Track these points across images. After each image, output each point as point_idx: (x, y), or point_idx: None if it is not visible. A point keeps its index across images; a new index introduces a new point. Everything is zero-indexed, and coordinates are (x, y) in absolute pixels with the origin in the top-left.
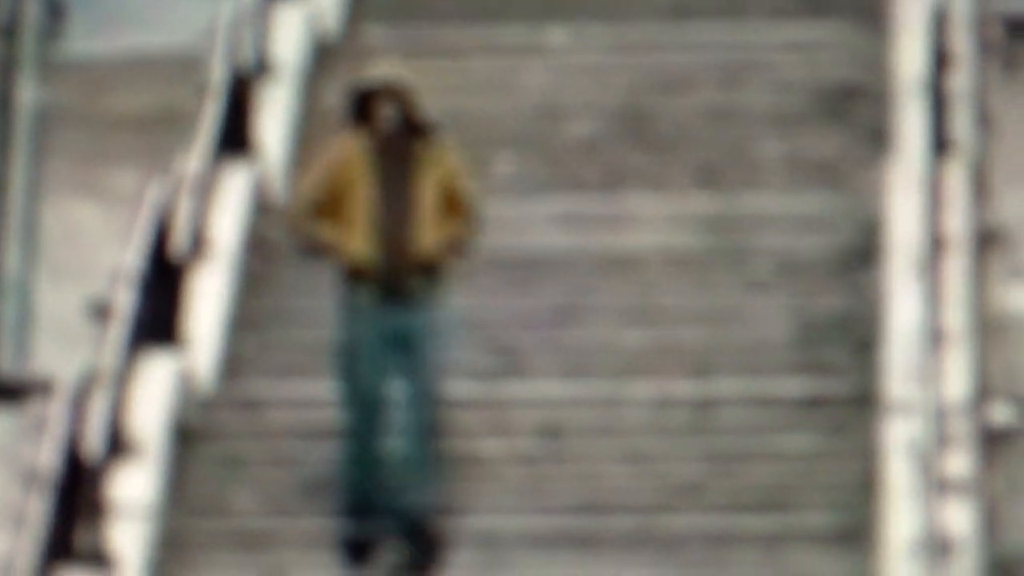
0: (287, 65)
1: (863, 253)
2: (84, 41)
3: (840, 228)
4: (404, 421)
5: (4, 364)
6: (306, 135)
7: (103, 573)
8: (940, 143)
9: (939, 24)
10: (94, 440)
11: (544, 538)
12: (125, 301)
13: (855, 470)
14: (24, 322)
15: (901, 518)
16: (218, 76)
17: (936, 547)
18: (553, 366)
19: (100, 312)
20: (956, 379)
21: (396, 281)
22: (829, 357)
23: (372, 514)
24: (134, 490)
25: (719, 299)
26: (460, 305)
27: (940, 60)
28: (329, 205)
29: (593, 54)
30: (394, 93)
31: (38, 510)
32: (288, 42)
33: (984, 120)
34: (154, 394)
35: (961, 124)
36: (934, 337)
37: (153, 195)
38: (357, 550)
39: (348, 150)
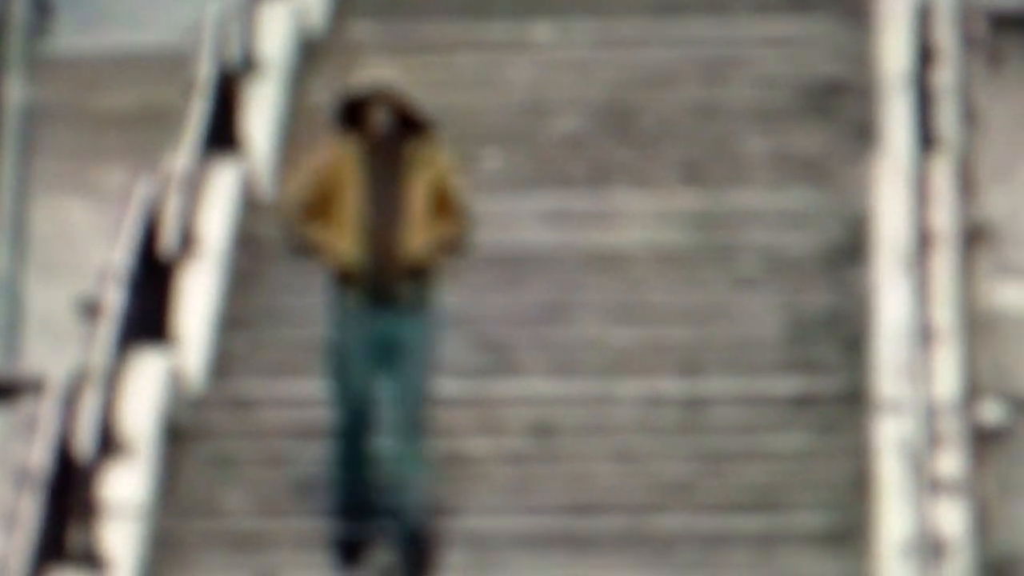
0: (274, 62)
1: (850, 250)
2: (72, 39)
3: (827, 225)
4: (393, 423)
5: None
6: (293, 132)
7: (95, 573)
8: (926, 139)
9: (923, 19)
10: (85, 439)
11: (534, 538)
12: (115, 299)
13: (846, 469)
14: (14, 321)
15: (893, 518)
16: (205, 73)
17: (928, 547)
18: (542, 364)
19: (90, 310)
20: (946, 377)
21: (383, 284)
22: (818, 355)
23: (363, 514)
24: (125, 490)
25: (707, 296)
26: (448, 302)
27: (925, 55)
28: (319, 207)
29: (578, 50)
30: (386, 98)
31: (30, 510)
32: (274, 39)
33: (969, 115)
34: (145, 393)
35: (946, 120)
36: (923, 334)
37: (142, 193)
38: (348, 550)
39: (338, 153)
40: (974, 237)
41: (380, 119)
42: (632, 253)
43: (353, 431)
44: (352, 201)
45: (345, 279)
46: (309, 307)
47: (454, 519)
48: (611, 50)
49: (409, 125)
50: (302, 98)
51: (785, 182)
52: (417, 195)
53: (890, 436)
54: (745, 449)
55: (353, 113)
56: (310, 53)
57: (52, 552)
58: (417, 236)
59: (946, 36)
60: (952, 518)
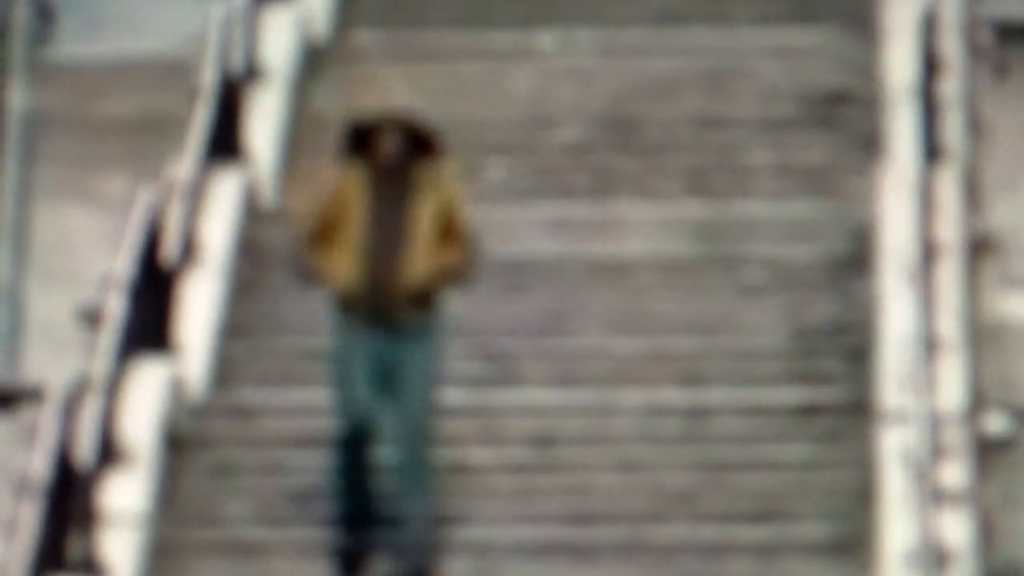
0: (277, 70)
1: (855, 260)
2: (74, 46)
3: (831, 235)
4: (395, 446)
5: None
6: (296, 140)
7: None
8: (931, 149)
9: (929, 29)
10: (85, 447)
11: (536, 547)
12: (116, 307)
13: (849, 479)
14: (15, 328)
15: (896, 528)
16: (208, 81)
17: (932, 557)
18: (544, 374)
19: (91, 318)
20: (950, 388)
21: (383, 310)
22: (822, 365)
23: (363, 524)
24: (125, 498)
25: (710, 306)
26: (451, 311)
27: (930, 66)
28: (327, 233)
29: (582, 59)
30: (395, 123)
31: (30, 517)
32: (278, 46)
33: (975, 126)
34: (145, 401)
35: (952, 130)
36: (928, 345)
37: (144, 200)
38: (349, 560)
39: (345, 179)
40: (979, 248)
41: (389, 146)
42: (635, 263)
43: (354, 441)
44: (355, 227)
45: (345, 304)
46: (310, 316)
47: (456, 528)
48: (614, 60)
49: (418, 147)
50: (305, 106)
51: (790, 193)
52: (422, 221)
53: (894, 446)
54: (748, 459)
55: (362, 138)
56: (314, 61)
57: (52, 560)
58: (419, 263)
59: (952, 46)
60: (956, 528)
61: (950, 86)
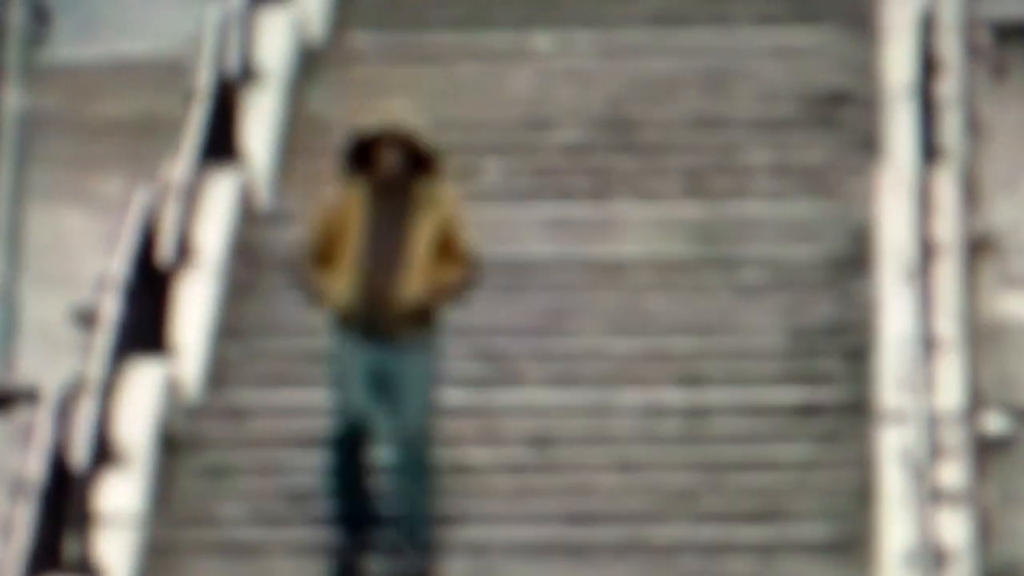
0: (273, 71)
1: (854, 260)
2: (69, 47)
3: (830, 235)
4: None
5: None
6: (292, 141)
7: None
8: (929, 149)
9: (927, 29)
10: (80, 449)
11: (535, 547)
12: (111, 309)
13: (848, 479)
14: (10, 329)
15: (895, 527)
16: (204, 82)
17: (930, 557)
18: (542, 374)
19: (86, 319)
20: (949, 387)
21: (378, 327)
22: (821, 365)
23: (360, 524)
24: (121, 499)
25: (709, 307)
26: (448, 312)
27: (929, 66)
28: (327, 249)
29: (580, 60)
30: (395, 138)
31: (25, 519)
32: (274, 48)
33: (973, 126)
34: (140, 402)
35: (950, 130)
36: (926, 345)
37: (139, 202)
38: (346, 560)
39: (346, 195)
40: (978, 248)
41: (389, 160)
42: (634, 263)
43: (350, 441)
44: (354, 245)
45: (343, 321)
46: (305, 317)
47: (455, 528)
48: (613, 60)
49: (418, 163)
50: (301, 108)
51: (788, 193)
52: (421, 237)
53: (893, 446)
54: (747, 459)
55: (362, 152)
56: (310, 62)
57: (47, 561)
58: (416, 280)
59: (950, 46)
60: (954, 528)
61: (949, 86)
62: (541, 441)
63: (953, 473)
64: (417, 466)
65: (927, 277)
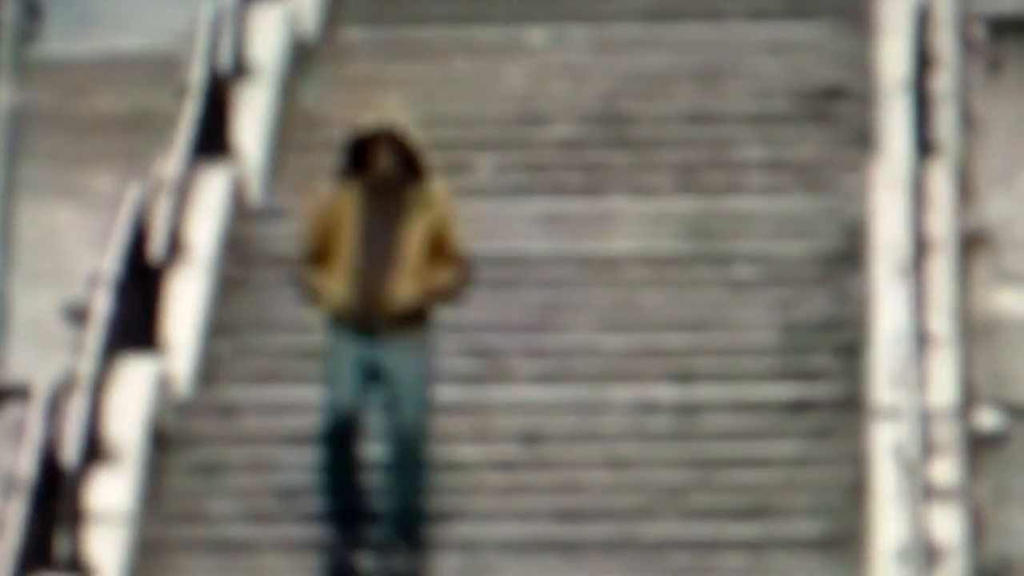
0: (265, 67)
1: (847, 256)
2: (61, 42)
3: (824, 231)
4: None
5: None
6: (284, 137)
7: None
8: (924, 144)
9: (922, 24)
10: (71, 446)
11: (526, 544)
12: (102, 305)
13: (841, 476)
14: (0, 326)
15: (888, 524)
16: (196, 78)
17: (923, 553)
18: (533, 371)
19: (77, 316)
20: (942, 384)
21: (371, 325)
22: (814, 361)
23: (351, 520)
24: (111, 496)
25: (701, 303)
26: (440, 309)
27: (923, 61)
28: (323, 250)
29: (573, 55)
30: (391, 138)
31: (16, 516)
32: (266, 43)
33: (968, 121)
34: (132, 399)
35: (945, 125)
36: (920, 341)
37: (131, 198)
38: (337, 556)
39: (340, 195)
40: (972, 243)
41: (385, 160)
42: (626, 259)
43: (341, 437)
44: (347, 246)
45: (336, 319)
46: (296, 314)
47: (446, 525)
48: (606, 55)
49: (412, 168)
50: (294, 103)
51: (782, 188)
52: (414, 239)
53: (886, 442)
54: (739, 455)
55: (358, 153)
56: (302, 58)
57: (38, 558)
58: (409, 281)
59: (945, 41)
60: (947, 524)
61: (943, 81)
62: (532, 438)
63: (946, 469)
64: (411, 463)
65: (921, 273)
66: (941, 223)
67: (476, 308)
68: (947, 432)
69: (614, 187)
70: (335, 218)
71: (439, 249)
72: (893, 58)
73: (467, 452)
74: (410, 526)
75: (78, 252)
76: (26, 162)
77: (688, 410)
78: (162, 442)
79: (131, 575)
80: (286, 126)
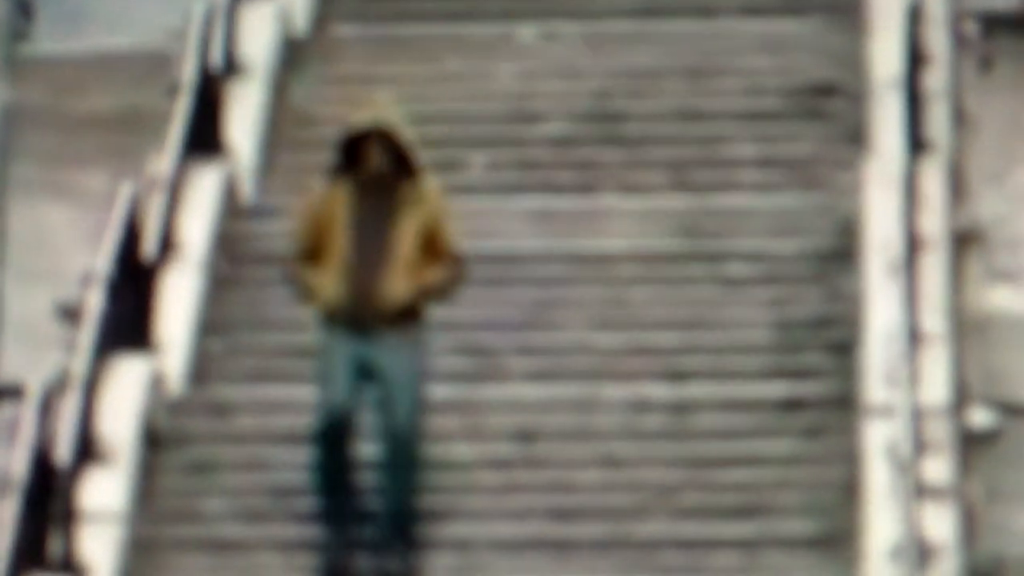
0: (257, 64)
1: (840, 254)
2: (52, 41)
3: (816, 229)
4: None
5: None
6: (276, 135)
7: None
8: (916, 142)
9: (914, 21)
10: (64, 445)
11: (519, 543)
12: (95, 304)
13: (834, 474)
14: None
15: (881, 523)
16: (188, 75)
17: (916, 552)
18: (526, 369)
19: (70, 315)
20: (935, 382)
21: (364, 324)
22: (806, 360)
23: (345, 519)
24: (105, 495)
25: (694, 301)
26: (432, 310)
27: (915, 58)
28: (316, 248)
29: (565, 53)
30: (384, 136)
31: (9, 515)
32: (258, 41)
33: (960, 118)
34: (124, 398)
35: (937, 122)
36: (913, 339)
37: (122, 196)
38: (332, 557)
39: (332, 193)
40: (964, 241)
41: (377, 157)
42: (618, 257)
43: (333, 436)
44: (339, 243)
45: (329, 317)
46: (289, 312)
47: (439, 524)
48: (598, 53)
49: (404, 165)
50: (285, 101)
51: (774, 186)
52: (406, 236)
53: (878, 441)
54: (731, 454)
55: (350, 151)
56: (293, 55)
57: (31, 558)
58: (401, 279)
59: (937, 39)
60: (940, 523)
61: (935, 78)
62: (525, 436)
63: (939, 468)
64: (404, 462)
65: (913, 271)
66: (933, 221)
67: (468, 306)
68: (940, 430)
69: (606, 184)
70: (327, 215)
71: (432, 246)
72: (885, 55)
73: (460, 451)
74: (403, 525)
75: (70, 251)
76: (18, 161)
77: (681, 408)
78: (155, 441)
79: (124, 574)
80: (278, 124)
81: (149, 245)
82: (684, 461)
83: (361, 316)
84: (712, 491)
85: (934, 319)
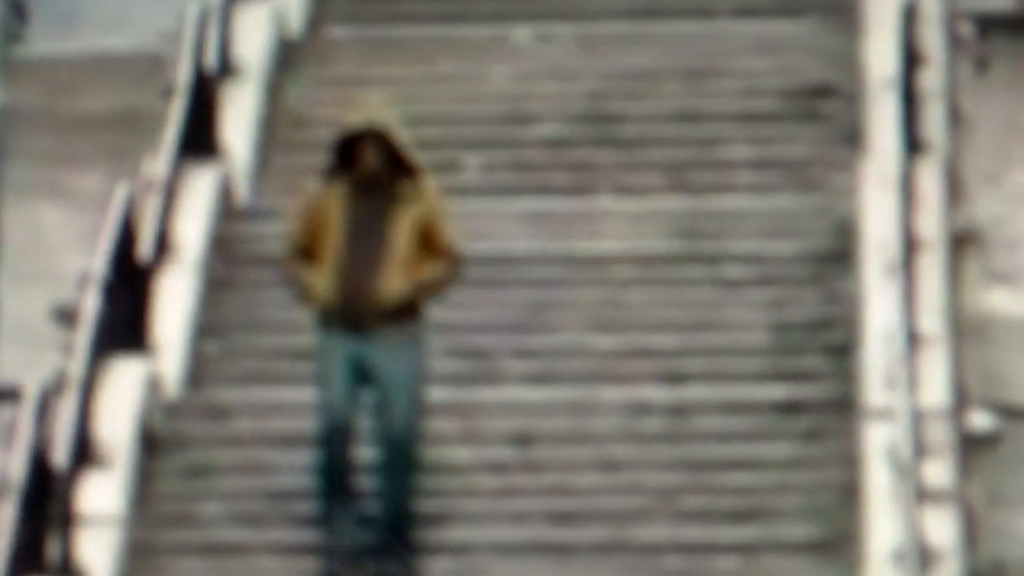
0: (252, 66)
1: (837, 255)
2: (47, 42)
3: (813, 230)
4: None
5: None
6: (271, 136)
7: None
8: (912, 143)
9: (910, 22)
10: (61, 448)
11: (517, 547)
12: (91, 306)
13: (833, 477)
14: None
15: (881, 526)
16: (183, 77)
17: (917, 555)
18: (523, 371)
19: (66, 317)
20: (934, 384)
21: (359, 323)
22: (805, 362)
23: (346, 523)
24: (101, 499)
25: (691, 303)
26: (428, 309)
27: (911, 59)
28: (311, 247)
29: (560, 54)
30: (378, 136)
31: (6, 518)
32: (252, 43)
33: (956, 119)
34: (121, 400)
35: (933, 123)
36: (911, 341)
37: (118, 198)
38: (331, 560)
39: (327, 192)
40: (962, 242)
41: (371, 158)
42: (615, 259)
43: (334, 440)
44: (333, 242)
45: (325, 318)
46: (286, 314)
47: (437, 528)
48: (593, 54)
49: (399, 166)
50: (280, 102)
51: (771, 187)
52: (401, 233)
53: (878, 444)
54: (730, 457)
55: (345, 151)
56: (288, 57)
57: (28, 561)
58: (396, 276)
59: (933, 39)
60: (940, 527)
61: (931, 79)
62: (523, 440)
63: (938, 471)
64: (402, 465)
65: (911, 272)
66: (931, 222)
67: (464, 308)
68: (939, 433)
69: (602, 186)
70: (322, 216)
71: (428, 243)
72: (881, 56)
73: (458, 454)
74: (401, 529)
75: (66, 253)
76: (13, 162)
77: (679, 411)
78: (151, 444)
79: None
80: (272, 125)
81: (145, 247)
82: (683, 464)
83: (355, 315)
84: (711, 494)
85: (932, 321)
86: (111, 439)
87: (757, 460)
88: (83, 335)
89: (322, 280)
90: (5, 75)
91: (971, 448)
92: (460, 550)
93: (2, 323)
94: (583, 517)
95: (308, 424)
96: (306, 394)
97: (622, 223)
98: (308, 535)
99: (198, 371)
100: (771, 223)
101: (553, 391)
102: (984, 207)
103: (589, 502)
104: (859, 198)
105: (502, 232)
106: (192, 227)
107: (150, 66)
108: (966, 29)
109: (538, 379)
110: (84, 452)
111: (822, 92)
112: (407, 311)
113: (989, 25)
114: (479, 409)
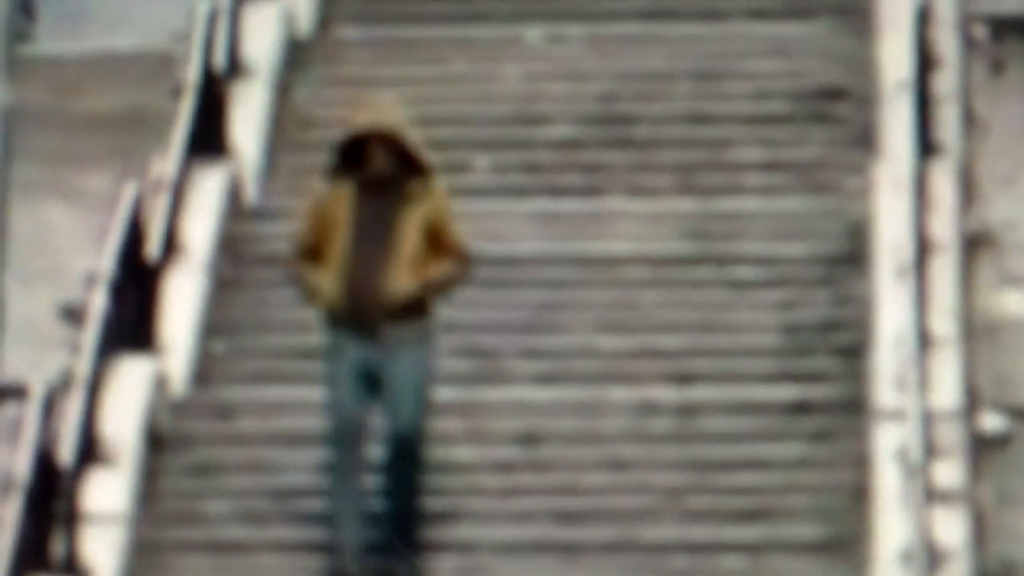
0: (261, 65)
1: (849, 257)
2: (55, 41)
3: (826, 232)
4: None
5: None
6: (280, 136)
7: None
8: (926, 145)
9: (924, 24)
10: (67, 446)
11: (524, 546)
12: (98, 305)
13: (843, 478)
14: None
15: (891, 527)
16: (191, 76)
17: (926, 557)
18: (531, 371)
19: (73, 316)
20: (945, 386)
21: (365, 324)
22: (815, 363)
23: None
24: (107, 497)
25: (701, 304)
26: (436, 309)
27: (925, 61)
28: (318, 247)
29: (571, 55)
30: (385, 137)
31: (12, 517)
32: (261, 42)
33: (970, 121)
34: (128, 399)
35: (947, 126)
36: (923, 343)
37: (126, 197)
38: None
39: (335, 193)
40: (974, 245)
41: (379, 158)
42: (625, 260)
43: (343, 440)
44: (341, 242)
45: (332, 319)
46: (293, 314)
47: (443, 527)
48: (604, 55)
49: (408, 166)
50: (289, 102)
51: (782, 189)
52: (409, 234)
53: (888, 445)
54: (739, 458)
55: (352, 152)
56: (297, 57)
57: (34, 559)
58: (404, 276)
59: (947, 41)
60: (950, 528)
61: (945, 81)
62: (530, 439)
63: (949, 472)
64: (409, 465)
65: (923, 274)
66: (943, 224)
67: (473, 308)
68: (950, 434)
69: (612, 187)
70: (330, 216)
71: (437, 243)
72: (894, 58)
73: (464, 453)
74: (407, 528)
75: (73, 252)
76: (20, 161)
77: (688, 412)
78: (158, 443)
79: None
80: (281, 125)
81: (152, 246)
82: (691, 464)
83: (363, 314)
84: (719, 495)
85: (944, 323)
86: (117, 437)
87: (765, 460)
88: (90, 334)
89: (328, 280)
90: (12, 74)
91: (982, 449)
92: (466, 549)
93: (9, 322)
94: (590, 517)
95: (314, 423)
96: (313, 393)
97: (632, 224)
98: (314, 533)
99: (205, 370)
100: (782, 225)
101: (561, 391)
102: (998, 210)
103: (596, 502)
104: (872, 200)
105: (512, 233)
106: (200, 227)
107: (158, 65)
108: (980, 31)
109: (546, 379)
110: (90, 450)
111: (833, 94)
112: (415, 309)
113: (1003, 27)
114: (486, 409)
